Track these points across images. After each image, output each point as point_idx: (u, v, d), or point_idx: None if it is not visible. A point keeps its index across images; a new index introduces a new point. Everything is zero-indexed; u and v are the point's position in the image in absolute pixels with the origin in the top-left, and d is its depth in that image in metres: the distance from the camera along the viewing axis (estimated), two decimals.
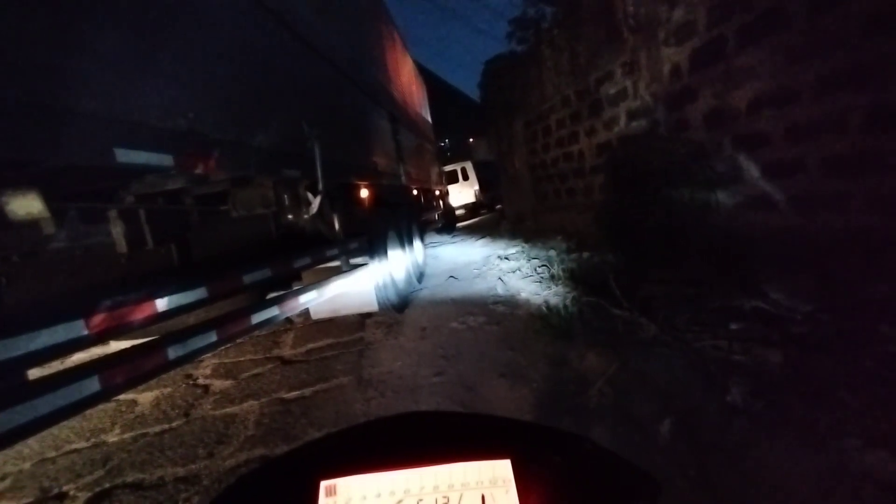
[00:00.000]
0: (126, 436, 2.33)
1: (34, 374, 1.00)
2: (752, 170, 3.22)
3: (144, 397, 2.78)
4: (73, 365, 1.10)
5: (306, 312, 3.01)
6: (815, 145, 2.74)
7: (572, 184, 6.27)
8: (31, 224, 1.50)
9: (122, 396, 2.67)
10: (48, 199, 1.34)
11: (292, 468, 0.49)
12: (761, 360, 1.84)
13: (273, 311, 1.92)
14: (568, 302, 3.13)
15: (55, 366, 1.12)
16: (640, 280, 3.13)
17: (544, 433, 0.55)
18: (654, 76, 4.14)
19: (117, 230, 2.05)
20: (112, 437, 2.33)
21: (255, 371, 2.98)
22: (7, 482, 2.02)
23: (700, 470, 1.40)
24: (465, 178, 13.37)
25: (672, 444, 1.54)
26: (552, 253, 5.07)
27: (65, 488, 1.92)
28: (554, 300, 3.33)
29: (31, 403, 0.88)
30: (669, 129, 4.03)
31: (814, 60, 2.68)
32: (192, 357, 1.38)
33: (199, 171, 1.60)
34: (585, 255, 4.53)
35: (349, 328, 3.61)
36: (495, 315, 3.40)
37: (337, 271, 2.85)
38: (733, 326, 2.20)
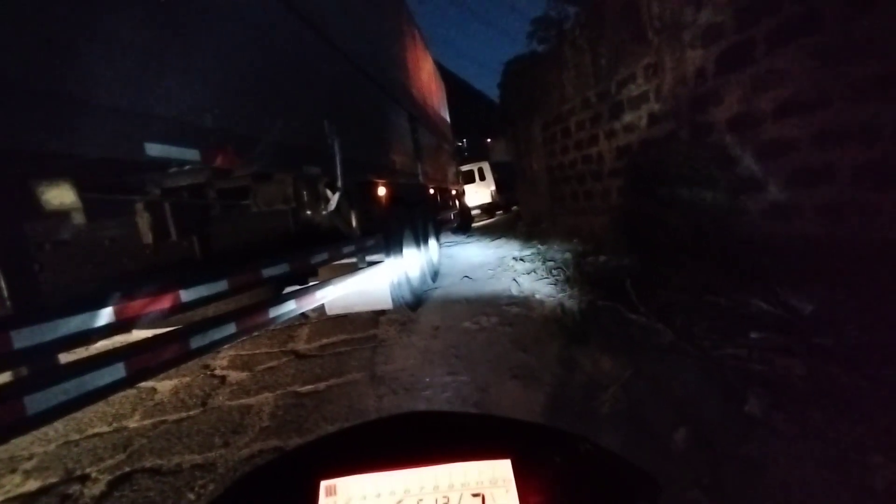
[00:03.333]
0: (146, 422, 2.39)
1: (64, 358, 1.04)
2: (777, 176, 3.14)
3: (164, 385, 2.86)
4: (99, 351, 1.14)
5: (321, 308, 3.05)
6: (845, 153, 2.65)
7: (590, 187, 6.20)
8: (64, 214, 1.56)
9: (142, 384, 2.75)
10: (80, 191, 1.39)
11: (292, 468, 0.49)
12: (783, 371, 1.79)
13: (290, 306, 1.95)
14: (583, 305, 3.10)
15: (79, 352, 1.16)
16: (657, 285, 3.08)
17: (544, 433, 0.54)
18: (678, 79, 4.07)
19: (143, 222, 2.11)
20: (132, 423, 2.40)
21: (270, 364, 3.03)
22: (34, 462, 2.10)
23: (715, 480, 1.37)
24: (482, 178, 13.35)
25: (687, 452, 1.51)
26: (568, 256, 5.03)
27: (87, 470, 1.99)
28: (569, 303, 3.30)
29: (62, 387, 0.92)
30: (692, 133, 3.96)
31: (846, 66, 2.60)
32: (212, 347, 1.41)
33: (223, 166, 1.63)
34: (602, 258, 4.48)
35: (363, 325, 3.64)
36: (509, 316, 3.39)
37: (353, 268, 2.89)
38: (754, 336, 2.14)
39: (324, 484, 0.43)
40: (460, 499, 0.42)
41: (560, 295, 3.66)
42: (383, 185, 3.63)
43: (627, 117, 5.06)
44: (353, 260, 2.90)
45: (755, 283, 2.68)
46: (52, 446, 2.23)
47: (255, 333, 2.92)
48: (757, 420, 1.56)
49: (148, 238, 2.11)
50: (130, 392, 2.76)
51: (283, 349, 3.30)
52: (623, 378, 2.03)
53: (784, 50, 2.98)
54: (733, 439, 1.51)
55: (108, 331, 1.08)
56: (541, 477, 0.43)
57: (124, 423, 2.42)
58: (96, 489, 1.83)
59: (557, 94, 6.78)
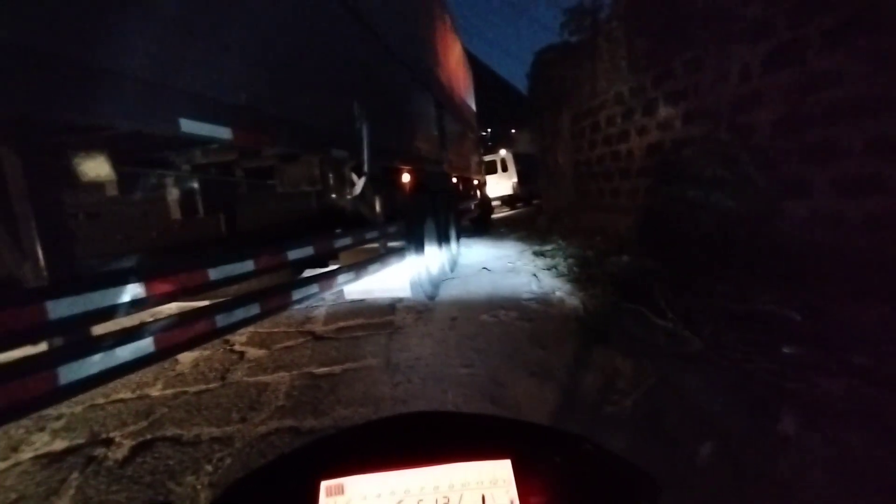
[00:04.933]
0: (167, 392, 2.45)
1: (96, 331, 1.05)
2: (822, 183, 2.99)
3: (185, 357, 2.92)
4: (128, 325, 1.15)
5: (340, 291, 3.07)
6: None
7: (617, 184, 6.05)
8: (97, 186, 1.58)
9: None
10: (115, 163, 1.40)
11: (292, 468, 0.49)
12: (819, 389, 1.71)
13: (313, 289, 1.95)
14: (606, 306, 3.03)
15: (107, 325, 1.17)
16: (684, 290, 2.99)
17: (544, 433, 0.54)
18: (720, 76, 3.89)
19: (173, 197, 2.14)
20: (155, 392, 2.47)
21: (288, 343, 3.07)
22: (62, 422, 2.18)
23: (742, 500, 1.32)
24: (504, 169, 13.20)
25: (712, 468, 1.46)
26: (591, 253, 4.93)
27: (112, 434, 2.05)
28: (591, 303, 3.23)
29: (94, 358, 0.92)
30: (732, 133, 3.79)
31: None
32: (236, 327, 1.42)
33: (253, 144, 1.62)
34: (626, 258, 4.38)
35: (380, 311, 3.65)
36: (528, 311, 3.35)
37: (374, 254, 2.88)
38: (787, 350, 2.05)
39: (324, 484, 0.42)
40: (460, 499, 0.42)
41: (582, 293, 3.58)
42: (408, 171, 3.60)
43: (662, 114, 4.89)
44: (375, 245, 2.89)
45: (791, 294, 2.56)
46: (80, 408, 2.31)
47: (279, 313, 2.95)
48: (789, 440, 1.49)
49: (177, 213, 2.13)
50: None
51: (300, 329, 3.34)
52: (646, 385, 1.97)
53: (837, 50, 2.81)
54: (763, 458, 1.45)
55: (139, 305, 1.09)
56: (541, 477, 0.43)
57: (147, 391, 2.49)
58: (119, 453, 1.89)
59: (589, 87, 6.60)
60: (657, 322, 2.55)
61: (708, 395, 1.83)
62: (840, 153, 2.83)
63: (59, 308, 0.89)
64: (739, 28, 3.63)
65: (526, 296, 3.77)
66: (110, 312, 1.01)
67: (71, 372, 0.88)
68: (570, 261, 4.73)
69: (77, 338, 0.96)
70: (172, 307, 1.46)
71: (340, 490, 0.42)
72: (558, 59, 7.59)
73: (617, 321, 2.74)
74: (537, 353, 2.57)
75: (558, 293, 3.74)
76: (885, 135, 2.56)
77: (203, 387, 2.48)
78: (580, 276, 4.10)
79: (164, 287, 1.16)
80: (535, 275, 4.42)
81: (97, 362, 0.93)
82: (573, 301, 3.41)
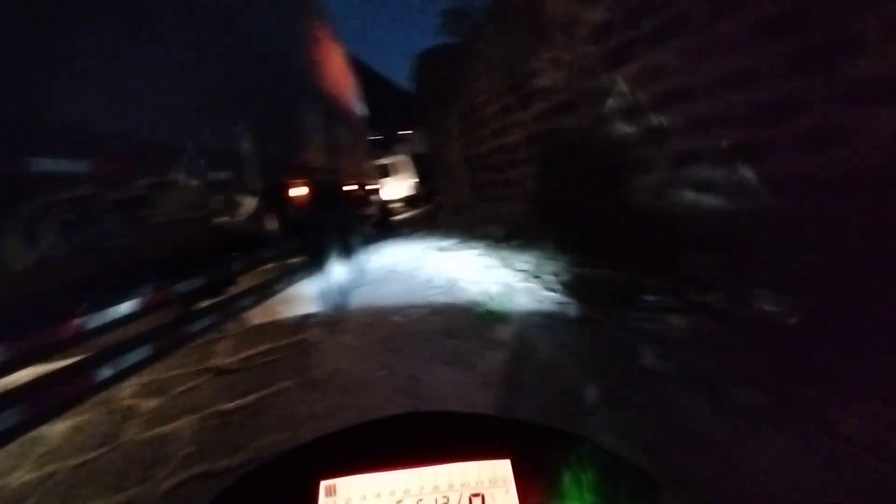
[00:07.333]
0: (33, 475, 2.01)
1: None
2: (661, 158, 3.58)
3: (52, 430, 2.42)
4: None
5: (242, 318, 2.88)
6: (713, 136, 3.10)
7: (507, 175, 6.50)
8: None
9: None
10: None
11: (292, 468, 0.49)
12: (671, 327, 2.12)
13: (209, 320, 1.84)
14: (502, 287, 3.30)
15: None
16: (571, 264, 3.38)
17: (544, 433, 0.54)
18: (578, 72, 4.41)
19: (22, 244, 1.83)
20: (14, 481, 1.99)
21: (189, 385, 2.78)
22: None
23: (626, 425, 1.59)
24: (403, 171, 13.32)
25: (597, 405, 1.74)
26: (489, 241, 5.25)
27: None
28: (491, 287, 3.48)
29: None
30: (593, 121, 4.33)
31: (709, 61, 3.02)
32: (124, 375, 1.29)
33: (118, 176, 1.48)
34: (520, 242, 4.76)
35: (290, 330, 3.48)
36: (436, 306, 3.48)
37: (275, 273, 2.77)
38: (649, 299, 2.49)
39: (324, 484, 0.43)
40: (460, 499, 0.42)
41: (482, 279, 3.83)
42: (300, 184, 3.50)
43: (536, 108, 5.37)
44: (275, 264, 2.78)
45: (651, 253, 3.06)
46: None
47: (172, 353, 2.67)
48: (653, 370, 1.84)
49: (27, 260, 1.83)
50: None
51: (201, 367, 3.05)
52: (543, 350, 2.23)
53: (662, 47, 3.38)
54: (633, 388, 1.78)
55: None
56: (541, 477, 0.44)
57: (6, 481, 2.03)
58: None
59: (472, 85, 6.96)
60: (548, 294, 2.86)
61: (590, 348, 2.16)
62: (671, 132, 3.42)
63: None
64: (586, 30, 4.16)
65: (433, 291, 3.90)
66: None
67: None
68: (472, 251, 5.00)
69: None
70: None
71: (340, 490, 0.42)
72: (441, 60, 7.86)
73: (513, 299, 3.01)
74: (449, 343, 2.70)
75: (461, 283, 3.94)
76: (698, 116, 3.16)
77: (85, 457, 2.12)
78: (479, 265, 4.37)
79: (26, 346, 1.01)
80: (438, 269, 4.59)
81: None
82: (475, 288, 3.63)
